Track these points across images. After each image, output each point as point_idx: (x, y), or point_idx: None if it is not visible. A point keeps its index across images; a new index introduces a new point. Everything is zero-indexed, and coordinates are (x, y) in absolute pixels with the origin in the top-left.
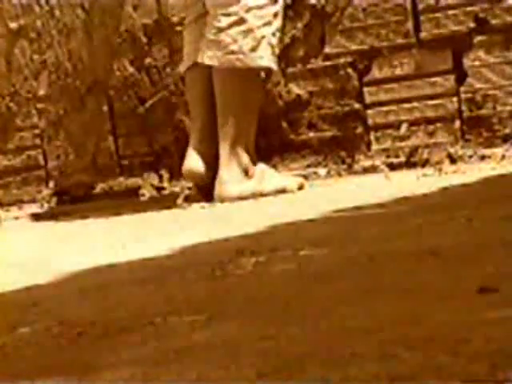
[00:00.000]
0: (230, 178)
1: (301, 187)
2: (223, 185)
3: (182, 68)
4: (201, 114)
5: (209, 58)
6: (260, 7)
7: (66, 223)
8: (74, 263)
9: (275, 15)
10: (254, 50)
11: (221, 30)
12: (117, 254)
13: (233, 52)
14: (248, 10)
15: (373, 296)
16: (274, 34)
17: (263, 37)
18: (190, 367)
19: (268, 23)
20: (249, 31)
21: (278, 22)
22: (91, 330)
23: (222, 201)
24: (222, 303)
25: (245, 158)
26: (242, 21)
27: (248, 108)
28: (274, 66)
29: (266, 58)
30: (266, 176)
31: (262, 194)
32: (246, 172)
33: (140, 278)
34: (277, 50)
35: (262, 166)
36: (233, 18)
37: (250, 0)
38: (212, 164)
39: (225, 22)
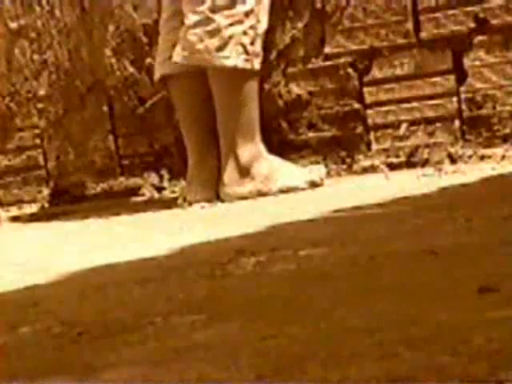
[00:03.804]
0: (229, 179)
1: (313, 184)
2: (224, 186)
3: (162, 71)
4: (196, 126)
5: (177, 55)
6: (228, 7)
7: (66, 223)
8: (73, 263)
9: (247, 14)
10: (220, 49)
11: (188, 28)
12: (117, 254)
13: (198, 51)
14: (216, 9)
15: (373, 296)
16: (245, 33)
17: (231, 36)
18: (190, 367)
19: (237, 22)
20: (216, 31)
21: (251, 21)
22: (91, 329)
23: (223, 202)
24: (221, 303)
25: (246, 159)
26: (209, 20)
27: (246, 107)
28: (246, 65)
29: (233, 58)
30: (274, 176)
31: (265, 195)
32: (247, 172)
33: (140, 278)
34: (253, 49)
35: (272, 163)
36: (200, 17)
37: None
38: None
39: (192, 20)
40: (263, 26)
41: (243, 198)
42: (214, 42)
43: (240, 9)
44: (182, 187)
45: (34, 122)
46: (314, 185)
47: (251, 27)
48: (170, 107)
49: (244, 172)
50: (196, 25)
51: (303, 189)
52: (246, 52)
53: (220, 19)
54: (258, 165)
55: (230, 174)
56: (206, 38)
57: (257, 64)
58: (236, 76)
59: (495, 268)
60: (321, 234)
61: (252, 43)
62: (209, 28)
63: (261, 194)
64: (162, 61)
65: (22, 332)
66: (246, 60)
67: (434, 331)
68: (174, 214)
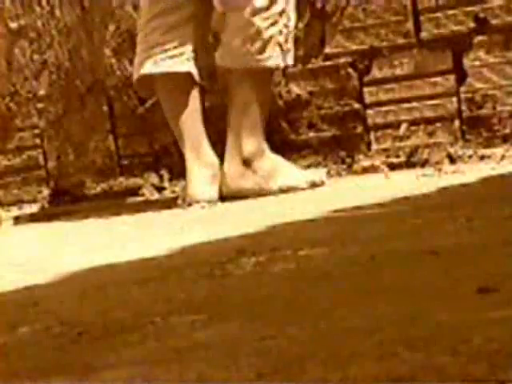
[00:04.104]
0: (231, 173)
1: (314, 185)
2: (225, 180)
3: (143, 71)
4: (191, 124)
5: (221, 59)
6: (266, 8)
7: (66, 223)
8: (74, 263)
9: (280, 14)
10: (261, 51)
11: (232, 32)
12: (117, 254)
13: (242, 55)
14: (255, 12)
15: (373, 296)
16: (280, 32)
17: (271, 37)
18: (190, 367)
19: (274, 23)
20: (257, 34)
21: (284, 20)
22: (91, 329)
23: (224, 197)
24: (221, 303)
25: (249, 151)
26: (250, 24)
27: (263, 103)
28: (283, 62)
29: (273, 58)
30: (275, 174)
31: (265, 192)
32: (249, 164)
33: (140, 278)
34: (287, 46)
35: (275, 162)
36: (242, 22)
37: (256, 2)
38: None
39: (236, 24)
40: (293, 22)
41: (244, 192)
42: (256, 45)
43: (275, 9)
44: (182, 187)
45: (33, 122)
46: (314, 185)
47: (284, 26)
48: None
49: (247, 163)
50: (239, 30)
51: (303, 189)
52: (282, 50)
53: (259, 22)
54: (261, 160)
55: (233, 166)
56: (249, 41)
57: (290, 60)
58: (267, 75)
59: (495, 268)
60: (321, 233)
61: (286, 41)
62: (250, 32)
63: (261, 190)
64: (144, 60)
65: (22, 332)
66: (283, 58)
67: (433, 331)
68: (174, 214)
